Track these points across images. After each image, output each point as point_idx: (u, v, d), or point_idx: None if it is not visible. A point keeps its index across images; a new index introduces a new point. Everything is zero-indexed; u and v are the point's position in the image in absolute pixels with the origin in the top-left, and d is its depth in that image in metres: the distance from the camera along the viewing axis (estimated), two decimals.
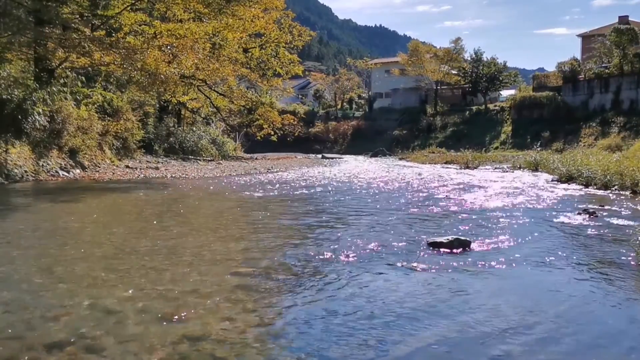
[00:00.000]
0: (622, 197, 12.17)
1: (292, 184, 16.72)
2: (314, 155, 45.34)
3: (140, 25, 22.26)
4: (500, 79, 51.74)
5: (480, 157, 30.17)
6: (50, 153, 18.23)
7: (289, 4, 40.67)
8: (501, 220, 8.99)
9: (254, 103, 32.93)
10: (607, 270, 5.77)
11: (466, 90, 54.81)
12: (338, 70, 74.80)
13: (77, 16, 20.74)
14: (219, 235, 8.17)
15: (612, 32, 38.12)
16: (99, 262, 6.16)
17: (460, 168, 25.33)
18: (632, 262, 5.99)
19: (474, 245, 6.75)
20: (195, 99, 31.50)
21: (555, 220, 9.01)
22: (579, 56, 47.60)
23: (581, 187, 14.59)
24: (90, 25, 21.62)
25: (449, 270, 5.69)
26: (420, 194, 13.55)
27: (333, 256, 6.34)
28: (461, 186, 15.49)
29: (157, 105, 30.13)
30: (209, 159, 30.51)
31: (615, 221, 8.68)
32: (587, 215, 9.16)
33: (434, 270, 5.70)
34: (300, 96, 69.75)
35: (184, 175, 20.06)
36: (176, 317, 4.23)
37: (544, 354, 3.62)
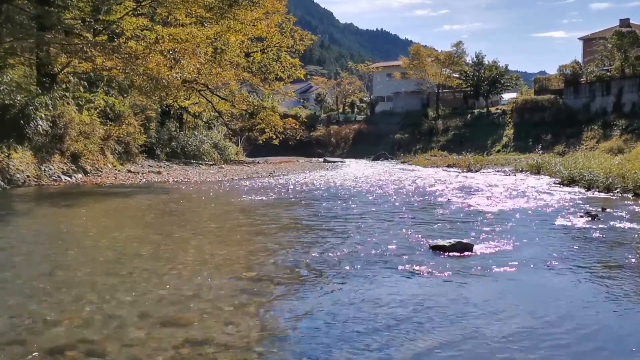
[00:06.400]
0: (624, 200, 12.15)
1: (294, 188, 16.72)
2: (315, 159, 45.33)
3: (142, 30, 22.28)
4: (502, 82, 51.72)
5: (482, 160, 30.14)
6: (53, 158, 18.26)
7: (291, 8, 40.74)
8: (503, 223, 8.98)
9: (256, 107, 32.95)
10: (609, 273, 5.76)
11: (468, 94, 54.78)
12: (340, 74, 75.00)
13: (79, 21, 20.78)
14: (221, 239, 8.17)
15: (613, 35, 38.09)
16: (101, 266, 6.16)
17: (462, 171, 25.28)
18: (635, 265, 5.97)
19: (476, 249, 6.74)
20: (197, 103, 31.54)
21: (557, 223, 9.00)
22: (580, 59, 47.54)
23: (583, 190, 14.57)
24: (92, 30, 21.66)
25: (452, 274, 5.68)
26: (422, 198, 13.54)
27: (335, 260, 6.33)
28: (463, 189, 15.48)
29: (159, 110, 30.18)
30: (211, 163, 30.51)
31: (617, 224, 8.67)
32: (590, 218, 9.15)
33: (436, 274, 5.69)
34: (302, 100, 69.76)
35: (186, 180, 20.08)
36: (179, 321, 4.23)
37: (547, 358, 3.61)
